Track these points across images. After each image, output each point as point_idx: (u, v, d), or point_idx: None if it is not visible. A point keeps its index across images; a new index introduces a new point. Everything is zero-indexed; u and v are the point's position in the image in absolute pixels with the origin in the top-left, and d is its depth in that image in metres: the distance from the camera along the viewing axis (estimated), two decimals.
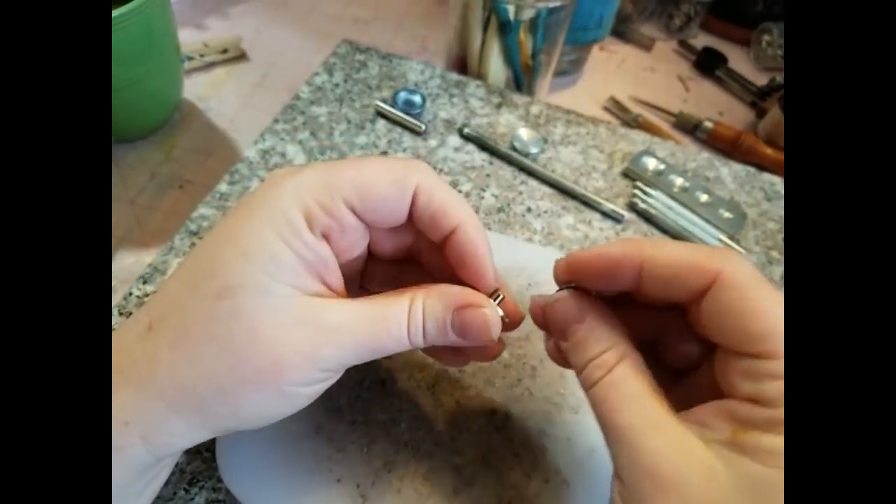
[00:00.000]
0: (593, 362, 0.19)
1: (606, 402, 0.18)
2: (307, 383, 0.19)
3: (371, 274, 0.24)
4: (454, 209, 0.20)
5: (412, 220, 0.20)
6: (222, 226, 0.19)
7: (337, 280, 0.20)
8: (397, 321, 0.19)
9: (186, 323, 0.17)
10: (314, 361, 0.18)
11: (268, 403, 0.18)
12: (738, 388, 0.17)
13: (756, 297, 0.16)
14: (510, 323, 0.22)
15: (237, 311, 0.17)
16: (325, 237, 0.19)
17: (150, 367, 0.17)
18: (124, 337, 0.18)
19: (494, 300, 0.21)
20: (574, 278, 0.20)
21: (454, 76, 0.46)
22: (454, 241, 0.20)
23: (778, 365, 0.15)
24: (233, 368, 0.17)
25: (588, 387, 0.19)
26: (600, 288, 0.20)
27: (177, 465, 0.26)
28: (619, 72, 0.59)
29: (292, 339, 0.18)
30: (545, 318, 0.21)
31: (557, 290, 0.21)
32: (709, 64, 0.59)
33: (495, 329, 0.20)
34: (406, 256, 0.23)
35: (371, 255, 0.23)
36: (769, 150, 0.50)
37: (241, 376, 0.17)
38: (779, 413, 0.15)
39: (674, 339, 0.21)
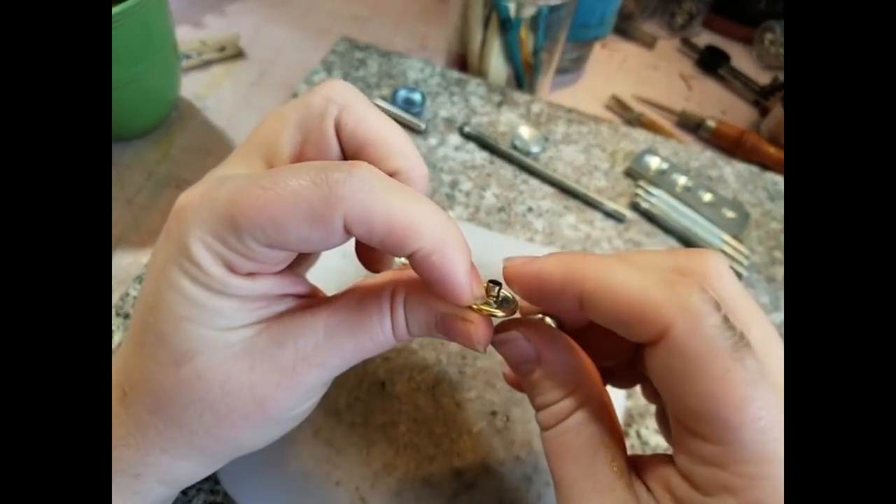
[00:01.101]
0: (548, 409, 0.17)
1: (555, 453, 0.17)
2: (297, 405, 0.18)
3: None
4: (407, 234, 0.15)
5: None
6: (149, 279, 0.17)
7: (300, 286, 0.18)
8: (381, 327, 0.17)
9: (157, 392, 0.17)
10: (298, 387, 0.17)
11: (263, 432, 0.18)
12: (677, 456, 0.15)
13: (704, 373, 0.14)
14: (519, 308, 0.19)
15: (200, 373, 0.16)
16: (251, 276, 0.16)
17: (140, 429, 0.17)
18: None
19: (491, 293, 0.18)
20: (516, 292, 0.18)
21: (454, 74, 0.45)
22: (416, 264, 0.16)
23: (716, 452, 0.14)
24: (219, 422, 0.17)
25: (541, 429, 0.18)
26: (540, 307, 0.18)
27: None
28: (621, 70, 0.58)
29: (268, 378, 0.17)
30: (499, 351, 0.19)
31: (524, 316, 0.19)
32: (711, 62, 0.58)
33: (481, 341, 0.17)
34: None
35: None
36: (772, 149, 0.49)
37: (229, 425, 0.17)
38: (707, 503, 0.14)
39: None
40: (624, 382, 0.21)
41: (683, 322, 0.14)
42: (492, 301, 0.17)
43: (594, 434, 0.16)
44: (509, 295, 0.18)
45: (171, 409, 0.17)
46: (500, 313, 0.17)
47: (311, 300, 0.19)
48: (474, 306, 0.17)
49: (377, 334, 0.17)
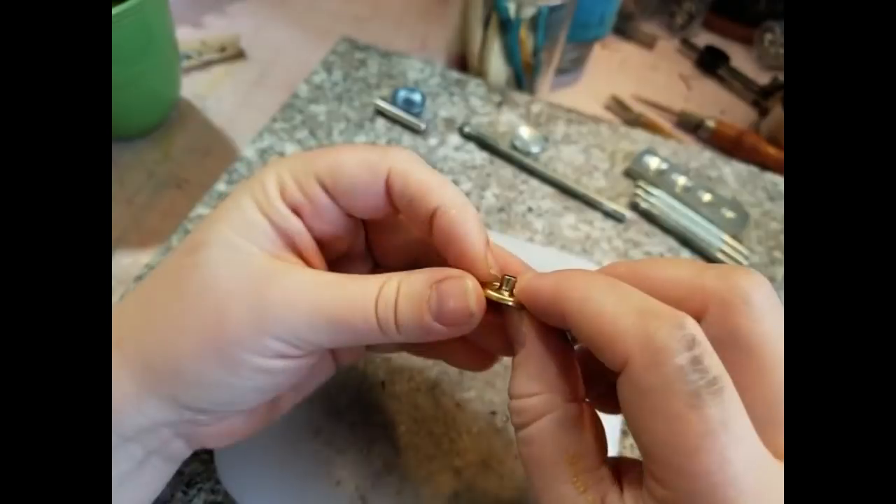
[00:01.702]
0: (515, 402, 0.17)
1: (524, 460, 0.17)
2: (253, 349, 0.16)
3: (380, 253, 0.23)
4: (433, 191, 0.18)
5: (397, 211, 0.19)
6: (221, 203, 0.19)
7: (314, 256, 0.19)
8: (364, 292, 0.17)
9: (155, 277, 0.18)
10: (262, 321, 0.16)
11: (206, 365, 0.17)
12: (643, 486, 0.15)
13: (656, 412, 0.13)
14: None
15: (199, 262, 0.17)
16: (297, 212, 0.18)
17: (117, 322, 0.18)
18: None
19: (504, 286, 0.18)
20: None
21: (454, 74, 0.45)
22: (436, 225, 0.18)
23: (666, 497, 0.13)
24: (177, 317, 0.17)
25: (514, 428, 0.17)
26: (545, 321, 0.18)
27: None
28: (620, 70, 0.58)
29: (242, 293, 0.16)
30: (505, 324, 0.19)
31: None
32: (711, 62, 0.58)
33: (475, 301, 0.17)
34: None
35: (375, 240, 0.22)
36: (772, 150, 0.49)
37: (183, 325, 0.17)
38: None
39: None
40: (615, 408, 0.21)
41: (642, 357, 0.13)
42: (505, 293, 0.18)
43: (559, 447, 0.16)
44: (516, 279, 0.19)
45: (152, 291, 0.18)
46: (509, 299, 0.18)
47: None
48: (485, 292, 0.18)
49: (357, 297, 0.17)
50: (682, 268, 0.17)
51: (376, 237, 0.22)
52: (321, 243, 0.20)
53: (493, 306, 0.18)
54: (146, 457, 0.18)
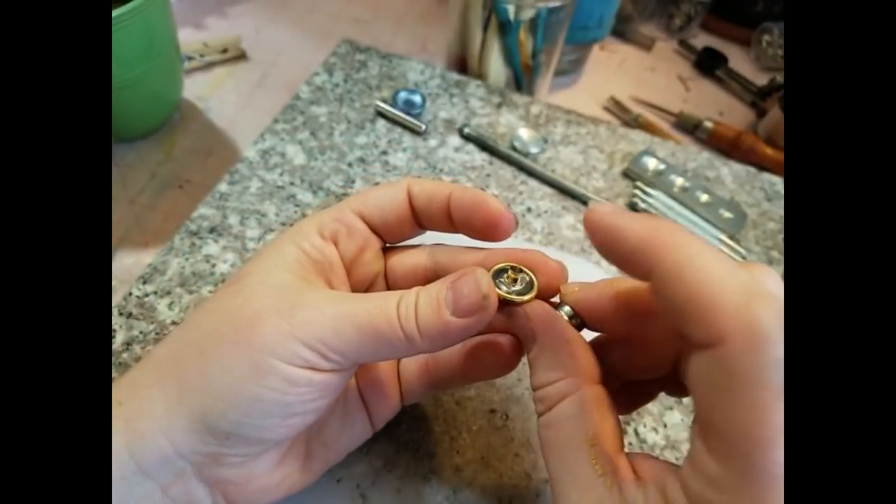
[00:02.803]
0: (537, 392, 0.18)
1: (543, 445, 0.17)
2: (283, 356, 0.17)
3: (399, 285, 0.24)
4: (445, 185, 0.21)
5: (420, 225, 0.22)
6: None
7: (343, 284, 0.21)
8: (386, 300, 0.18)
9: (198, 311, 0.19)
10: (292, 325, 0.17)
11: (239, 372, 0.17)
12: (685, 464, 0.15)
13: (745, 398, 0.13)
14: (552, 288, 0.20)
15: (240, 289, 0.19)
16: (334, 241, 0.21)
17: (159, 349, 0.19)
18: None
19: (517, 282, 0.20)
20: (595, 242, 0.17)
21: (454, 76, 0.46)
22: (454, 205, 0.20)
23: (719, 473, 0.13)
24: (216, 329, 0.18)
25: (537, 416, 0.18)
26: (613, 264, 0.17)
27: None
28: (619, 72, 0.58)
29: (273, 302, 0.18)
30: (510, 326, 0.20)
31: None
32: (709, 64, 0.59)
33: (486, 287, 0.17)
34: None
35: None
36: (769, 150, 0.50)
37: (219, 336, 0.17)
38: None
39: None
40: (638, 400, 0.22)
41: (743, 340, 0.13)
42: (513, 291, 0.19)
43: (578, 429, 0.17)
44: (528, 277, 0.20)
45: (194, 316, 0.19)
46: (522, 297, 0.19)
47: None
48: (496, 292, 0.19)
49: (379, 304, 0.18)
50: (721, 265, 0.16)
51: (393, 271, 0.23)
52: (350, 271, 0.22)
53: (503, 305, 0.19)
54: (164, 501, 0.18)
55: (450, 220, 0.21)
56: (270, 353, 0.17)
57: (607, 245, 0.16)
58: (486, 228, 0.20)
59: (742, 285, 0.13)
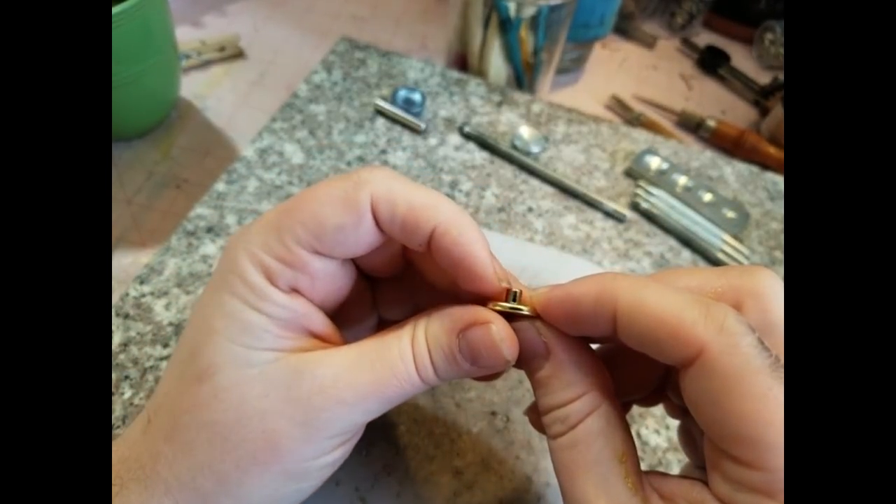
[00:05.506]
0: (556, 412, 0.16)
1: (565, 467, 0.16)
2: (315, 455, 0.17)
3: (382, 299, 0.22)
4: (427, 210, 0.16)
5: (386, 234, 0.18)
6: (197, 304, 0.18)
7: (326, 328, 0.18)
8: (402, 359, 0.17)
9: (176, 412, 0.17)
10: (315, 429, 0.16)
11: (277, 486, 0.16)
12: (714, 480, 0.14)
13: (743, 393, 0.13)
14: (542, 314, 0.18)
15: (217, 391, 0.16)
16: (295, 290, 0.17)
17: (152, 461, 0.16)
18: (131, 433, 0.18)
19: (510, 301, 0.17)
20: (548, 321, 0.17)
21: (454, 74, 0.45)
22: (436, 247, 0.17)
23: (761, 479, 0.13)
24: (227, 454, 0.16)
25: (549, 438, 0.17)
26: (574, 333, 0.17)
27: None
28: (621, 70, 0.58)
29: (282, 409, 0.16)
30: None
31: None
32: (711, 62, 0.58)
33: (508, 348, 0.17)
34: (406, 270, 0.21)
35: (372, 279, 0.21)
36: (772, 149, 0.49)
37: (235, 462, 0.16)
38: None
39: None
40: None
41: (719, 341, 0.13)
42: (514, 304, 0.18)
43: (607, 445, 0.15)
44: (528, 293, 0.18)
45: (185, 432, 0.16)
46: (523, 309, 0.17)
47: (336, 344, 0.19)
48: (496, 307, 0.17)
49: (397, 365, 0.17)
50: (700, 274, 0.17)
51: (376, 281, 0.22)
52: (325, 306, 0.19)
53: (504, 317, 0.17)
54: None
55: (428, 251, 0.17)
56: (303, 460, 0.16)
57: (568, 314, 0.16)
58: (467, 286, 0.18)
59: (694, 302, 0.14)
